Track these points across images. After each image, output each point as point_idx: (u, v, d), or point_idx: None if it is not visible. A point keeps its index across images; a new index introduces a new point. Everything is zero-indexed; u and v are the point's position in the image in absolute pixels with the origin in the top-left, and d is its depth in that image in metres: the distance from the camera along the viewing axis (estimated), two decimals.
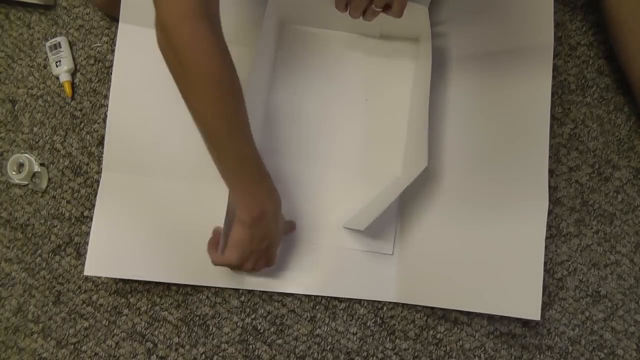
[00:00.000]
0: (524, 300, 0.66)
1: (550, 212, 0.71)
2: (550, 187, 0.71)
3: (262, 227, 0.61)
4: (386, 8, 0.60)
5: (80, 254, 0.75)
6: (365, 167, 0.73)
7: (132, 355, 0.72)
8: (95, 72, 0.79)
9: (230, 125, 0.54)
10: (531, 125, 0.70)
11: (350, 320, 0.71)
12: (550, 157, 0.71)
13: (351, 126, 0.74)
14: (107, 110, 0.74)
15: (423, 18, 0.68)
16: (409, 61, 0.75)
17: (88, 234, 0.72)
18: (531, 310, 0.65)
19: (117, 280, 0.74)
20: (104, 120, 0.78)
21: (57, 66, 0.78)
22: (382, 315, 0.71)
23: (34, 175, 0.77)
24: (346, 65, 0.76)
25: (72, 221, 0.76)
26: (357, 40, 0.76)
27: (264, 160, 0.60)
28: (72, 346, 0.73)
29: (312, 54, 0.76)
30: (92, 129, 0.78)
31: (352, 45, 0.76)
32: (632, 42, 0.69)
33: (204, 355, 0.72)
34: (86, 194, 0.76)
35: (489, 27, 0.74)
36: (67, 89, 0.78)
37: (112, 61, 0.77)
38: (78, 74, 0.80)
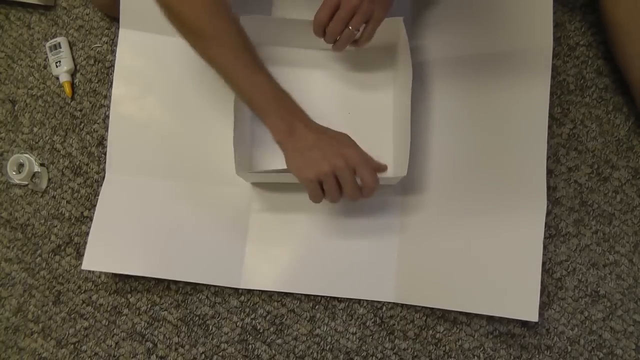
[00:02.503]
0: (521, 301, 0.66)
1: (549, 212, 0.71)
2: (549, 187, 0.71)
3: (300, 140, 0.61)
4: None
5: (80, 254, 0.75)
6: None
7: (131, 355, 0.72)
8: (95, 73, 0.79)
9: (226, 57, 0.59)
10: (529, 126, 0.70)
11: (350, 320, 0.72)
12: (549, 157, 0.71)
13: None
14: (108, 111, 0.75)
15: (399, 29, 0.67)
16: (388, 70, 0.75)
17: (88, 234, 0.72)
18: (529, 311, 0.65)
19: (116, 280, 0.74)
20: (104, 120, 0.78)
21: (57, 66, 0.78)
22: (381, 315, 0.71)
23: (34, 175, 0.77)
24: (326, 81, 0.75)
25: (72, 221, 0.76)
26: (333, 55, 0.75)
27: None
28: (72, 346, 0.73)
29: (290, 72, 0.75)
30: (92, 129, 0.78)
31: (329, 61, 0.75)
32: (629, 45, 0.69)
33: (203, 355, 0.72)
34: (86, 194, 0.76)
35: (486, 27, 0.74)
36: (67, 89, 0.78)
37: (111, 61, 0.77)
38: (78, 74, 0.80)
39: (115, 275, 0.74)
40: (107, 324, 0.73)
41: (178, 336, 0.72)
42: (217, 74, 0.61)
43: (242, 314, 0.72)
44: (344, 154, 0.60)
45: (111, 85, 0.76)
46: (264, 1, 0.76)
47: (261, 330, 0.72)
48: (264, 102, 0.61)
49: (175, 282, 0.73)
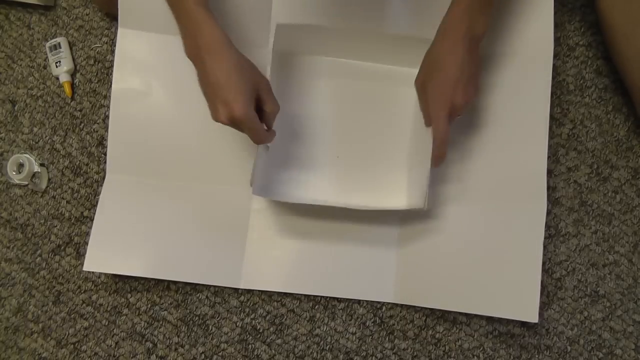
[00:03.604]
0: (521, 302, 0.66)
1: (549, 212, 0.71)
2: (548, 187, 0.71)
3: (201, 64, 0.58)
4: None
5: (80, 254, 0.75)
6: (368, 188, 0.73)
7: (131, 355, 0.72)
8: (95, 73, 0.80)
9: None
10: (529, 126, 0.70)
11: (350, 320, 0.72)
12: (548, 157, 0.71)
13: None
14: (108, 111, 0.75)
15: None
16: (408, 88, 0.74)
17: (88, 234, 0.72)
18: (529, 312, 0.65)
19: (116, 280, 0.74)
20: (104, 120, 0.78)
21: (57, 66, 0.78)
22: (381, 315, 0.72)
23: (34, 175, 0.77)
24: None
25: (72, 221, 0.76)
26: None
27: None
28: (72, 346, 0.73)
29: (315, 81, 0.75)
30: (92, 129, 0.78)
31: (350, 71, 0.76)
32: (625, 47, 0.69)
33: (203, 355, 0.72)
34: (86, 194, 0.76)
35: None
36: (67, 89, 0.78)
37: (111, 62, 0.77)
38: (78, 75, 0.80)
39: (115, 275, 0.74)
40: (107, 324, 0.73)
41: (178, 336, 0.72)
42: None
43: (242, 314, 0.72)
44: (229, 116, 0.58)
45: (111, 85, 0.76)
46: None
47: (261, 330, 0.72)
48: (185, 18, 0.58)
49: (175, 282, 0.73)
